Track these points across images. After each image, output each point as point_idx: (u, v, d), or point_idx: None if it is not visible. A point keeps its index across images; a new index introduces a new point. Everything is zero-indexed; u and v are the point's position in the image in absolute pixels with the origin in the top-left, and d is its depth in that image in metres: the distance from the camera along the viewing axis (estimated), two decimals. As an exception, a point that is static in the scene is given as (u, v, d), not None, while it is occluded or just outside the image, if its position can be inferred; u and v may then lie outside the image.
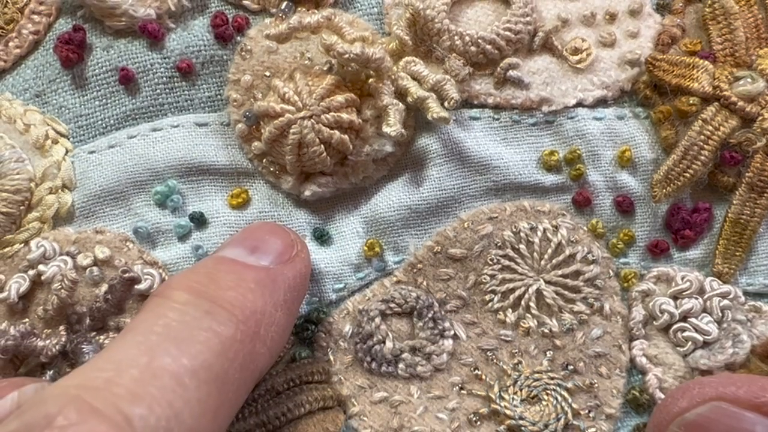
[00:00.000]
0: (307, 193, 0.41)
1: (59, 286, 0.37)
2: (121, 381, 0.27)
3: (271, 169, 0.41)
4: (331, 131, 0.39)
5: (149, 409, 0.27)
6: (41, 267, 0.38)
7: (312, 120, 0.39)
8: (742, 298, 0.41)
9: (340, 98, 0.39)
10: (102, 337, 0.37)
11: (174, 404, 0.27)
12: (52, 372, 0.36)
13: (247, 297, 0.32)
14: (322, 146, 0.39)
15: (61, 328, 0.36)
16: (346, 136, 0.39)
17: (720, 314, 0.40)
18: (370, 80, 0.40)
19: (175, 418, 0.27)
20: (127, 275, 0.38)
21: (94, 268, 0.39)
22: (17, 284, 0.38)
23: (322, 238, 0.41)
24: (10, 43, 0.43)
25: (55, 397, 0.27)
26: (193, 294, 0.32)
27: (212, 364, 0.29)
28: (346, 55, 0.38)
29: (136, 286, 0.39)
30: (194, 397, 0.28)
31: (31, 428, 0.26)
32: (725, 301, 0.40)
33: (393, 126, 0.39)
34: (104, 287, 0.38)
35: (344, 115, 0.39)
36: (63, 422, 0.26)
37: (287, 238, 0.37)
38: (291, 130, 0.39)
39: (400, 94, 0.40)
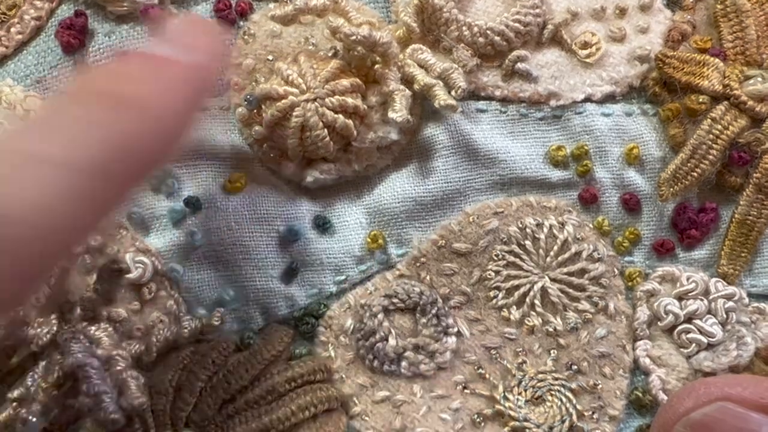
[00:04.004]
0: (308, 179, 0.40)
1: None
2: None
3: (272, 154, 0.40)
4: (336, 115, 0.38)
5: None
6: (34, 255, 0.37)
7: (316, 103, 0.38)
8: (746, 300, 0.41)
9: (345, 82, 0.38)
10: (93, 327, 0.36)
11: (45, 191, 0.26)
12: (44, 363, 0.35)
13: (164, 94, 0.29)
14: (326, 130, 0.38)
15: (53, 316, 0.35)
16: (350, 121, 0.38)
17: (724, 316, 0.40)
18: (376, 66, 0.39)
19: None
20: (114, 266, 0.37)
21: (86, 256, 0.37)
22: None
23: (323, 226, 0.40)
24: (12, 29, 0.42)
25: None
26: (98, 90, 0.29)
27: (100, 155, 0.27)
28: (353, 37, 0.37)
29: (126, 276, 0.37)
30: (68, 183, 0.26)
31: None
32: (730, 303, 0.40)
33: (399, 112, 0.38)
34: (95, 276, 0.37)
35: (349, 100, 0.38)
36: None
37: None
38: (294, 113, 0.38)
39: (407, 81, 0.39)
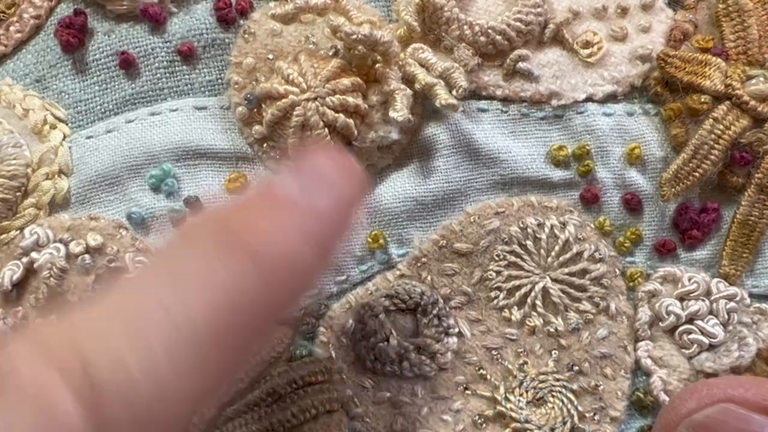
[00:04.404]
0: (309, 180, 0.40)
1: (48, 275, 0.36)
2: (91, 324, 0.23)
3: (272, 154, 0.40)
4: (336, 114, 0.38)
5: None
6: (34, 254, 0.37)
7: (316, 102, 0.38)
8: (748, 301, 0.41)
9: (346, 81, 0.38)
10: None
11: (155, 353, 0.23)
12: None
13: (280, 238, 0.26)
14: (326, 130, 0.38)
15: (53, 317, 0.35)
16: (351, 121, 0.38)
17: (726, 317, 0.40)
18: (377, 65, 0.39)
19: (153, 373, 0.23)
20: (113, 265, 0.37)
21: (86, 256, 0.37)
22: (10, 272, 0.36)
23: (324, 227, 0.40)
24: (11, 28, 0.42)
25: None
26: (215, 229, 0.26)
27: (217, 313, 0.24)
28: (354, 36, 0.37)
29: (125, 276, 0.37)
30: (183, 351, 0.23)
31: None
32: (731, 304, 0.40)
33: (400, 111, 0.38)
34: (94, 276, 0.37)
35: (350, 99, 0.38)
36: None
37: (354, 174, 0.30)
38: (294, 112, 0.38)
39: (408, 80, 0.39)
